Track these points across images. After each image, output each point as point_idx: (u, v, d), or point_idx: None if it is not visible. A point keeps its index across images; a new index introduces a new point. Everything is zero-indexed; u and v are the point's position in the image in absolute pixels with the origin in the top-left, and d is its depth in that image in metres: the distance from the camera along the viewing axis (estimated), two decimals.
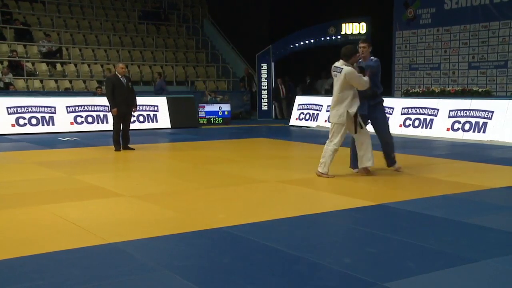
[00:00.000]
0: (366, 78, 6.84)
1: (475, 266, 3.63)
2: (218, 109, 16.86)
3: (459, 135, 11.74)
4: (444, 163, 8.37)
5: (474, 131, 11.59)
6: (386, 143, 7.37)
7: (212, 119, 16.74)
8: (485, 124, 11.40)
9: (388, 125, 7.62)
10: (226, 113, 16.96)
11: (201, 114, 16.64)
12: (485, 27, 15.92)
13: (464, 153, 9.51)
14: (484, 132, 11.38)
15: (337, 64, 6.99)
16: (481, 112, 11.59)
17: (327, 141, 7.19)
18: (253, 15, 23.15)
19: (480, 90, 14.16)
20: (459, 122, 11.94)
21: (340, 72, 6.85)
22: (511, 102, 11.30)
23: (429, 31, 17.39)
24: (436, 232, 4.49)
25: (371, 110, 7.19)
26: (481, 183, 6.56)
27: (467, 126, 11.75)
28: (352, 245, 4.17)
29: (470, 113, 11.81)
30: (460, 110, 12.01)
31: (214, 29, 23.45)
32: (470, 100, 12.10)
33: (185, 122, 15.59)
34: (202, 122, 16.45)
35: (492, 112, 11.38)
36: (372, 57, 7.29)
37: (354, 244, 4.21)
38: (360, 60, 7.17)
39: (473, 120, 11.70)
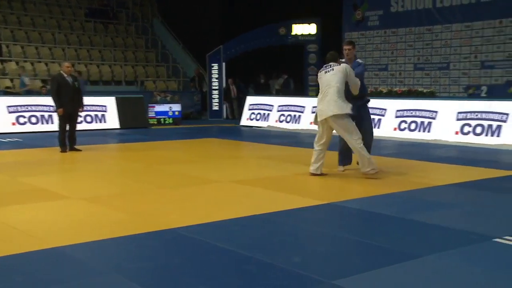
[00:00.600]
0: (358, 83, 6.89)
1: (419, 262, 3.74)
2: (169, 109, 16.69)
3: (406, 135, 12.06)
4: (391, 162, 8.57)
5: (420, 131, 11.93)
6: (368, 145, 7.31)
7: (162, 119, 16.55)
8: (430, 123, 11.76)
9: (372, 126, 7.73)
10: (176, 113, 16.80)
11: (151, 114, 16.42)
12: (429, 30, 16.44)
13: (410, 152, 9.78)
14: (429, 131, 11.74)
15: (329, 64, 6.96)
16: (426, 112, 11.95)
17: (355, 139, 6.83)
18: (203, 15, 23.04)
19: (425, 91, 14.60)
20: (405, 122, 12.26)
21: (334, 69, 6.81)
22: (454, 103, 11.69)
23: (377, 33, 17.80)
24: (383, 230, 4.59)
25: (358, 110, 7.20)
26: (426, 181, 6.76)
27: (413, 126, 12.09)
28: (302, 244, 4.22)
29: (415, 113, 12.15)
30: (407, 110, 12.34)
31: (164, 29, 23.20)
32: (415, 101, 12.45)
33: (135, 123, 15.34)
34: (152, 122, 16.24)
35: (436, 112, 11.75)
36: (358, 59, 7.39)
37: (304, 243, 4.26)
38: (343, 60, 7.22)
39: (418, 120, 12.04)
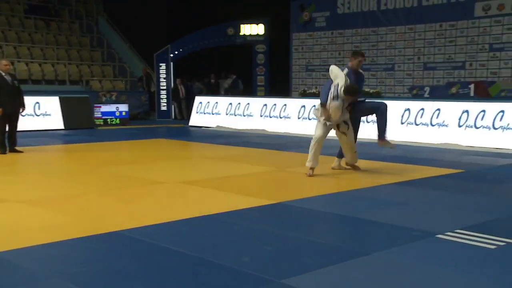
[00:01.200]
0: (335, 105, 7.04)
1: (367, 259, 3.80)
2: (115, 110, 16.35)
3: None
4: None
5: (366, 130, 12.14)
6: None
7: (109, 119, 16.20)
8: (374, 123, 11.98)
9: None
10: (123, 113, 16.48)
11: (97, 114, 16.04)
12: (374, 32, 16.82)
13: (358, 151, 9.92)
14: (375, 131, 11.96)
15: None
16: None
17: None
18: (151, 14, 22.72)
19: (371, 91, 14.92)
20: None
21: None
22: (399, 103, 11.98)
23: (324, 34, 18.06)
24: (330, 228, 4.65)
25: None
26: (372, 180, 6.89)
27: (361, 125, 12.27)
28: (251, 244, 4.20)
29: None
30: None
31: (109, 27, 22.72)
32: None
33: (80, 123, 14.94)
34: (99, 123, 15.87)
35: None
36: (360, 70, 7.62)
37: (253, 243, 4.25)
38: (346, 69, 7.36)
39: (364, 119, 12.25)
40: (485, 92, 13.61)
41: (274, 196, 5.94)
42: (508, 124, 9.92)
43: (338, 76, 7.10)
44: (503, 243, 4.12)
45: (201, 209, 5.27)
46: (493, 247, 4.05)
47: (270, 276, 3.45)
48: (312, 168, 7.13)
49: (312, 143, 7.18)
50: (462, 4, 14.93)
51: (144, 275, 3.49)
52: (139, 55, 21.85)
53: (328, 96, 7.01)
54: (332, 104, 6.98)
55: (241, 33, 19.62)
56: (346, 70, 7.29)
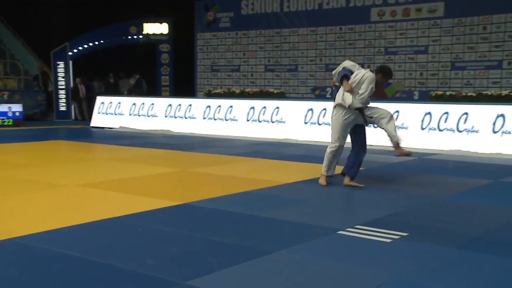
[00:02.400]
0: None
1: (271, 257, 3.84)
2: (8, 110, 15.40)
3: (259, 134, 12.41)
4: (244, 161, 8.76)
5: (271, 130, 12.36)
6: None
7: (0, 120, 15.22)
8: (282, 123, 12.23)
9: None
10: (17, 113, 15.56)
11: None
12: (278, 33, 17.15)
13: (262, 151, 10.08)
14: (280, 130, 12.20)
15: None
16: (277, 112, 12.40)
17: None
18: (47, 9, 21.62)
19: (275, 91, 15.20)
20: (258, 121, 12.62)
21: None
22: (303, 103, 12.30)
23: (228, 34, 18.14)
24: (236, 228, 4.65)
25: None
26: (277, 179, 6.99)
27: (265, 125, 12.48)
28: (155, 246, 4.11)
29: (269, 112, 12.56)
30: (259, 109, 12.71)
31: (0, 22, 21.37)
32: (267, 101, 12.89)
33: None
34: None
35: (288, 112, 12.26)
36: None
37: (158, 245, 4.16)
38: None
39: (270, 119, 12.47)
40: (382, 93, 14.30)
41: (179, 197, 5.86)
42: (403, 124, 10.50)
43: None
44: (398, 237, 4.33)
45: (103, 212, 5.08)
46: (388, 240, 4.25)
47: (175, 278, 3.39)
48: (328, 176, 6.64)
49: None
50: (359, 9, 15.61)
51: (39, 284, 3.29)
52: (34, 52, 20.72)
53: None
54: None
55: (144, 32, 19.23)
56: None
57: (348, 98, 6.33)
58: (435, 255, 3.92)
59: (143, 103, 15.01)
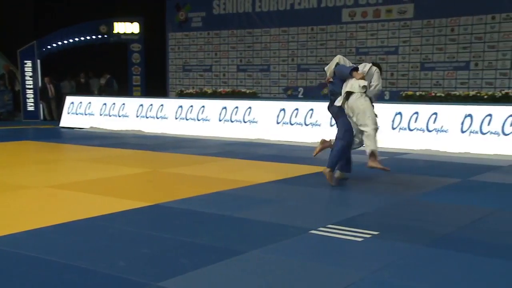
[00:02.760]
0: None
1: (244, 257, 3.83)
2: None
3: (231, 134, 12.38)
4: (216, 161, 8.73)
5: (244, 130, 12.34)
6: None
7: None
8: (254, 123, 12.23)
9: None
10: None
11: None
12: (250, 33, 17.15)
13: (234, 151, 10.06)
14: (252, 130, 12.20)
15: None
16: (250, 112, 12.40)
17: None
18: (14, 6, 21.14)
19: (247, 91, 15.19)
20: (231, 121, 12.60)
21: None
22: (275, 103, 12.32)
23: (200, 34, 18.07)
24: (208, 228, 4.63)
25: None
26: (249, 179, 6.98)
27: (237, 125, 12.46)
28: (126, 248, 4.05)
29: (240, 112, 12.55)
30: (232, 109, 12.68)
31: None
32: (239, 101, 12.87)
33: None
34: None
35: (260, 112, 12.26)
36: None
37: (129, 246, 4.10)
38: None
39: (242, 119, 12.45)
40: None
41: (151, 197, 5.80)
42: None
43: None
44: (369, 235, 4.37)
45: (72, 214, 4.99)
46: (360, 239, 4.28)
47: (147, 280, 3.35)
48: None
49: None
50: (330, 9, 15.72)
51: None
52: (0, 51, 20.24)
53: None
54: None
55: (115, 31, 19.00)
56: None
57: (363, 82, 6.38)
58: (405, 253, 3.97)
59: (114, 103, 14.83)
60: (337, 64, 6.62)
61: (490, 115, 9.51)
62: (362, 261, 3.79)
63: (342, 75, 6.59)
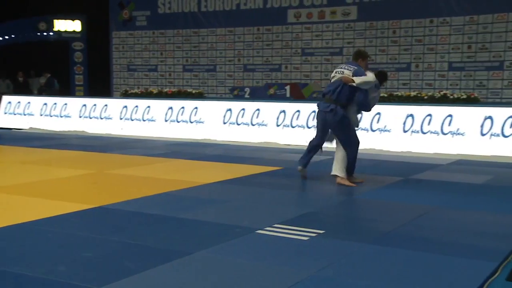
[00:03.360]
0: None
1: (190, 259, 3.78)
2: None
3: (177, 134, 12.25)
4: (162, 162, 8.61)
5: (190, 130, 12.24)
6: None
7: None
8: (201, 123, 12.14)
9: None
10: None
11: None
12: (196, 33, 17.06)
13: (181, 151, 9.96)
14: (199, 130, 12.12)
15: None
16: (196, 112, 12.31)
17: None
18: None
19: (194, 91, 15.09)
20: (177, 121, 12.46)
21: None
22: (222, 103, 12.28)
23: (145, 33, 17.82)
24: (153, 230, 4.55)
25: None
26: (195, 180, 6.92)
27: (183, 125, 12.34)
28: (67, 252, 3.93)
29: (185, 112, 12.44)
30: (178, 110, 12.55)
31: None
32: (185, 101, 12.76)
33: None
34: None
35: (207, 112, 12.20)
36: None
37: (70, 250, 3.98)
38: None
39: (188, 119, 12.35)
40: (299, 93, 14.60)
41: (94, 200, 5.65)
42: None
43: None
44: (315, 234, 4.41)
45: (10, 218, 4.79)
46: (306, 238, 4.31)
47: (89, 284, 3.25)
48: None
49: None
50: (276, 10, 15.84)
51: None
52: None
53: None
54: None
55: (55, 29, 18.45)
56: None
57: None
58: (350, 251, 4.03)
59: (55, 103, 14.38)
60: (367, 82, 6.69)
61: (430, 115, 9.83)
62: (307, 260, 3.82)
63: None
